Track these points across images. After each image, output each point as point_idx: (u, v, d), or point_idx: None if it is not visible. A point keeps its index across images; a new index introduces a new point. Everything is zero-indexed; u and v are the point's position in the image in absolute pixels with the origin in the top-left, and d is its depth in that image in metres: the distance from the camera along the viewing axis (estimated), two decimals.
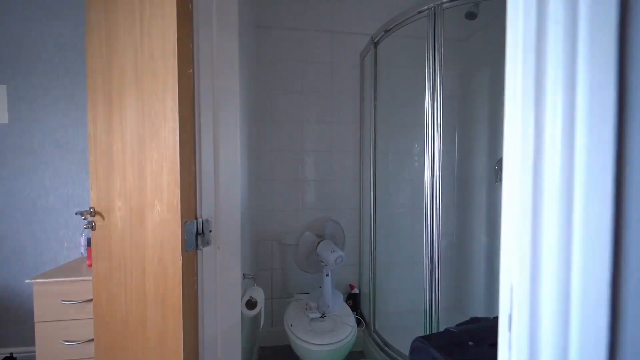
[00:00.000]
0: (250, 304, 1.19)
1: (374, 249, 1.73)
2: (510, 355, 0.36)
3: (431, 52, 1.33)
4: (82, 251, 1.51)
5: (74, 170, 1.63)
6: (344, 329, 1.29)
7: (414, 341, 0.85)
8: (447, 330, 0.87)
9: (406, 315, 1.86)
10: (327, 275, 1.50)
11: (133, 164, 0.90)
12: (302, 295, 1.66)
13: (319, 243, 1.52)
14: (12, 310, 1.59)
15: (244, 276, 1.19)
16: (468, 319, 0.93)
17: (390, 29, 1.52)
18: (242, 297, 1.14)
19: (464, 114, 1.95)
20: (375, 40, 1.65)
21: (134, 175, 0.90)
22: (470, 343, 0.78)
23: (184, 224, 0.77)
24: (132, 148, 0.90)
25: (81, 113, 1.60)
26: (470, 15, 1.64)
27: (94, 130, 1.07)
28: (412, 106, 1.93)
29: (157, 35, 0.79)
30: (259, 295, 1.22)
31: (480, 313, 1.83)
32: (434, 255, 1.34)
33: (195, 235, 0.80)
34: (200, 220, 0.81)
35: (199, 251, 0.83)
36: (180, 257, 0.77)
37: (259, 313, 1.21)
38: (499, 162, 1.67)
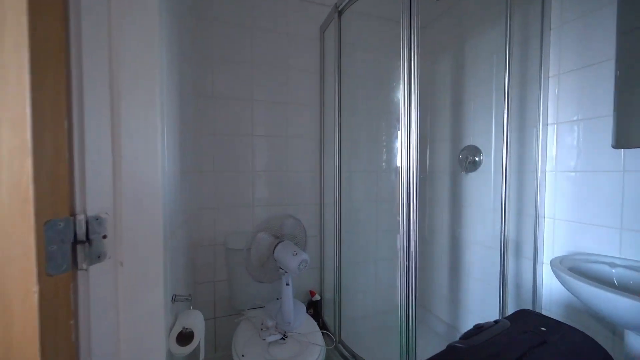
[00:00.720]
0: (184, 337, 0.84)
1: (339, 247, 1.51)
2: None
3: (407, 21, 1.16)
4: None
5: None
6: (311, 351, 1.04)
7: None
8: (453, 348, 0.68)
9: (376, 318, 1.69)
10: (288, 284, 1.22)
11: None
12: (256, 311, 1.35)
13: (276, 245, 1.23)
14: None
15: (173, 298, 0.85)
16: (472, 327, 0.76)
17: None
18: (170, 330, 0.80)
19: (429, 103, 1.87)
20: (340, 9, 1.43)
21: None
22: None
23: (43, 225, 0.42)
24: None
25: None
26: None
27: None
28: (381, 91, 1.78)
29: None
30: (196, 322, 0.88)
31: (444, 309, 1.76)
32: (410, 250, 1.18)
33: (72, 245, 0.45)
34: (81, 217, 0.46)
35: (80, 272, 0.48)
36: (36, 288, 0.41)
37: (197, 347, 0.88)
38: (463, 150, 1.61)
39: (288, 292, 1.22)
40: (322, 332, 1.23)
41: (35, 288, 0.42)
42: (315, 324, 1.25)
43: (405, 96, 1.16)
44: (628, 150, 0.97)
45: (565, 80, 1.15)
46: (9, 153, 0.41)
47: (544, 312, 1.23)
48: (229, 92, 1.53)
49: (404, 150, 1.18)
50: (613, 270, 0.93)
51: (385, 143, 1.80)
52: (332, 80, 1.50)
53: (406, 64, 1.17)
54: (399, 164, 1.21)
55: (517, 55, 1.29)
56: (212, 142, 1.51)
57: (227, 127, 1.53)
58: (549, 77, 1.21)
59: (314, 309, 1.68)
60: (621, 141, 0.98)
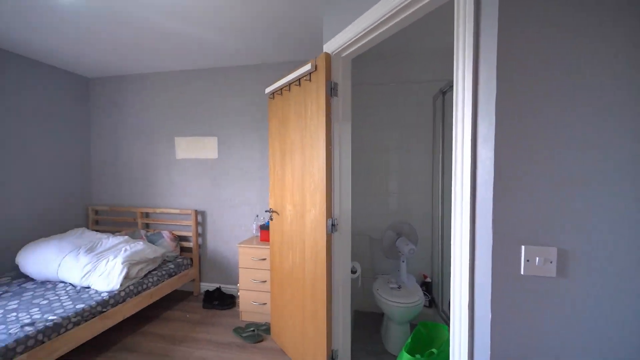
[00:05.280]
0: (352, 271, 1.95)
1: (442, 246, 2.26)
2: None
3: None
4: (254, 232, 2.59)
5: (246, 185, 2.76)
6: (414, 297, 1.92)
7: None
8: None
9: None
10: (403, 262, 2.14)
11: (298, 188, 1.79)
12: (384, 276, 2.34)
13: (397, 239, 2.17)
14: (226, 261, 2.83)
15: None
16: None
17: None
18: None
19: None
20: (444, 91, 2.19)
21: (298, 194, 1.79)
22: None
23: (327, 220, 1.58)
24: (297, 181, 1.79)
25: (252, 153, 2.72)
26: None
27: (273, 169, 2.04)
28: None
29: (314, 127, 1.64)
30: (357, 266, 1.98)
31: None
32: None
33: (331, 226, 1.61)
34: (333, 218, 1.61)
35: (333, 234, 1.63)
36: (325, 236, 1.58)
37: (358, 277, 1.97)
38: None
39: (403, 267, 2.13)
40: (425, 294, 2.06)
41: (324, 236, 1.58)
42: (419, 288, 2.09)
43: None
44: None
45: None
46: (319, 200, 1.61)
47: None
48: (371, 146, 2.59)
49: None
50: None
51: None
52: (439, 134, 2.28)
53: None
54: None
55: None
56: (365, 179, 2.61)
57: (388, 166, 2.59)
58: None
59: (426, 287, 2.48)
60: None
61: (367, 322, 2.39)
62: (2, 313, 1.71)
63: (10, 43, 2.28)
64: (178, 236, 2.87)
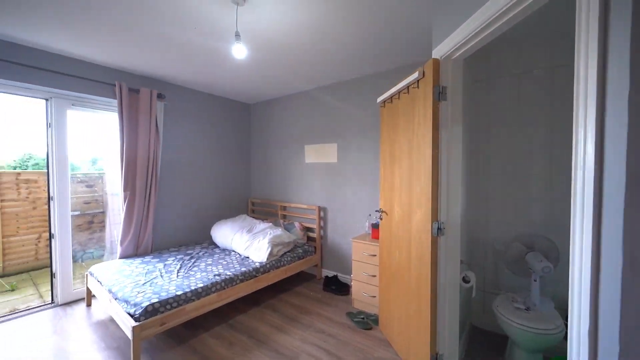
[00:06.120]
0: (465, 280, 1.84)
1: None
2: None
3: None
4: (366, 229, 2.82)
5: (360, 186, 3.02)
6: (547, 323, 1.62)
7: None
8: None
9: None
10: (535, 280, 1.82)
11: (405, 191, 1.87)
12: (509, 293, 2.04)
13: (527, 253, 1.87)
14: (342, 253, 3.23)
15: (461, 261, 1.87)
16: None
17: None
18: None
19: None
20: None
21: (405, 197, 1.87)
22: None
23: (432, 223, 1.60)
24: (405, 184, 1.87)
25: (366, 157, 2.96)
26: None
27: (383, 172, 2.19)
28: None
29: (421, 132, 1.69)
30: (472, 275, 1.85)
31: None
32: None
33: (437, 229, 1.61)
34: (439, 221, 1.62)
35: (438, 237, 1.63)
36: (430, 238, 1.61)
37: (472, 288, 1.85)
38: None
39: (535, 285, 1.81)
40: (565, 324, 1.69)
41: (429, 238, 1.61)
42: (557, 313, 1.72)
43: None
44: None
45: None
46: (425, 203, 1.65)
47: None
48: (503, 148, 2.30)
49: None
50: None
51: None
52: None
53: None
54: None
55: None
56: (492, 181, 2.35)
57: (502, 168, 2.30)
58: None
59: None
60: None
61: (489, 341, 2.15)
62: (204, 266, 2.64)
63: (201, 86, 3.44)
64: (305, 227, 3.46)
